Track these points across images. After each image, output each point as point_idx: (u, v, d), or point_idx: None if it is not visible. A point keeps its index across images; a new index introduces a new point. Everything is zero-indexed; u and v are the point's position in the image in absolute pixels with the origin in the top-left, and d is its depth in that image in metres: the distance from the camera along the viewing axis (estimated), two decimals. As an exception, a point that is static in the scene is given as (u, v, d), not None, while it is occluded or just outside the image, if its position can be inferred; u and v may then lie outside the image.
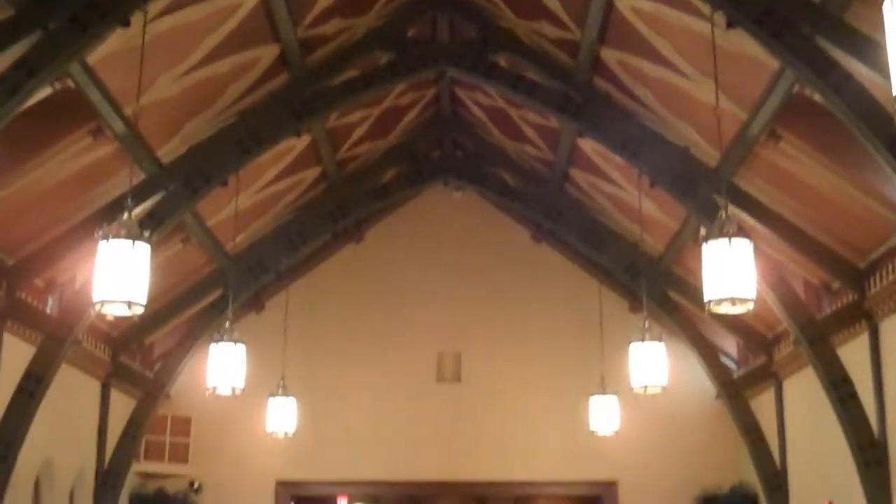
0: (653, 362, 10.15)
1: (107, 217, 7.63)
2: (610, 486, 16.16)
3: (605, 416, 13.16)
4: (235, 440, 15.65)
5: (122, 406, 14.09)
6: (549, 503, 17.33)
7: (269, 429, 13.28)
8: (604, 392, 13.10)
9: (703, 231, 6.44)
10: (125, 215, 6.27)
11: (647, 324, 10.62)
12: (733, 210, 7.42)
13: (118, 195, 10.02)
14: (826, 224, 10.77)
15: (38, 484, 12.15)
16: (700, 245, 6.36)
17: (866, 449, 10.66)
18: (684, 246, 13.13)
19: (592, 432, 13.43)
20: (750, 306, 6.36)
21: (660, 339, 10.37)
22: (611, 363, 13.19)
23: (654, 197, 12.39)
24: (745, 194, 10.71)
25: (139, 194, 9.72)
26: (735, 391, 14.74)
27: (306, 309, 15.99)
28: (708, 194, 10.68)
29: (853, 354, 11.13)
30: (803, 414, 13.18)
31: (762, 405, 14.54)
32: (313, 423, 15.10)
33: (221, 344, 10.38)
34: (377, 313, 16.46)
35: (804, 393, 12.79)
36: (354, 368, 16.21)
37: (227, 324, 10.70)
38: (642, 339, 10.29)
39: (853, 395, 10.87)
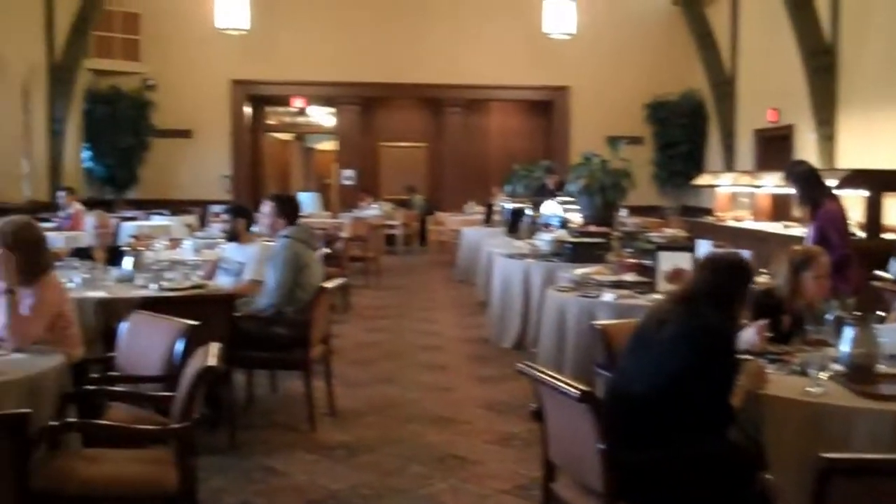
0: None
1: None
2: (562, 91, 16.35)
3: (560, 19, 13.00)
4: (187, 37, 15.38)
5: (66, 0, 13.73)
6: (501, 107, 17.62)
7: (218, 24, 12.83)
8: (560, -2, 12.85)
9: None
10: None
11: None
12: None
13: None
14: None
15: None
16: None
17: (817, 55, 10.76)
18: None
19: (546, 36, 13.32)
20: None
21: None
22: (569, -35, 12.83)
23: None
24: None
25: None
26: (692, -2, 14.64)
27: None
28: None
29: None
30: (757, 22, 13.16)
31: (717, 13, 14.47)
32: (268, 23, 14.82)
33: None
34: None
35: (760, 1, 12.70)
36: (309, -33, 15.74)
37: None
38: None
39: (808, 2, 10.80)
